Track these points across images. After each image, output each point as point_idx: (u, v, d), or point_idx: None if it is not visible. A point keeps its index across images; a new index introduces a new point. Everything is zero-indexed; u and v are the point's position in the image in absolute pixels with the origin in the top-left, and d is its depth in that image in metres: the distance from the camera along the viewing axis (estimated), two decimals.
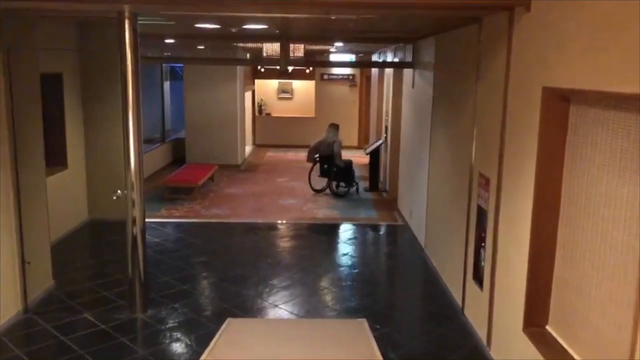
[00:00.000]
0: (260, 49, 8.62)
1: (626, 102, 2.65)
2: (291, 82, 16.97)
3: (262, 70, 16.29)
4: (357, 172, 11.28)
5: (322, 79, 16.63)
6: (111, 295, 5.61)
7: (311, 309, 5.51)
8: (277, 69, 13.39)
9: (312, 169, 10.72)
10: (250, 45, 9.55)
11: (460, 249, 5.24)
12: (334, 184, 10.48)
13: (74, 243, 7.33)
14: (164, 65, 13.73)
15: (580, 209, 3.13)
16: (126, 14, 4.67)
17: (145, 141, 10.31)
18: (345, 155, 10.98)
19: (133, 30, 4.75)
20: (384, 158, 10.90)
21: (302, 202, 10.01)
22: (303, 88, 17.05)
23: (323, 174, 10.57)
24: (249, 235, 7.99)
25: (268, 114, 17.10)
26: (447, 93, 6.15)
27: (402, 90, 9.24)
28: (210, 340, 3.55)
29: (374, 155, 10.91)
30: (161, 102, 13.76)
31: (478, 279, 4.69)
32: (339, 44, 9.59)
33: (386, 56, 10.94)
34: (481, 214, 4.64)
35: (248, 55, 12.44)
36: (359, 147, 15.89)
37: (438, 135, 6.49)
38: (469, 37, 5.23)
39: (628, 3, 2.47)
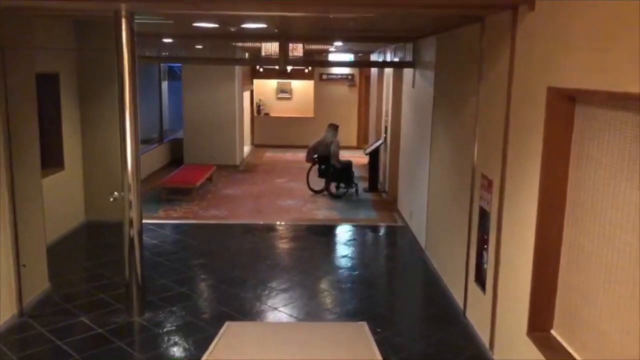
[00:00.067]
0: (259, 49, 8.56)
1: (634, 102, 2.58)
2: (290, 82, 16.92)
3: (261, 70, 16.25)
4: (357, 173, 11.23)
5: (321, 78, 16.58)
6: (108, 298, 5.54)
7: (311, 312, 5.45)
8: (275, 68, 13.36)
9: (310, 169, 10.67)
10: (249, 44, 9.49)
11: (461, 251, 5.18)
12: (333, 184, 10.41)
13: (70, 245, 7.25)
14: (162, 65, 13.68)
15: (587, 212, 3.07)
16: (123, 13, 4.62)
17: (143, 142, 10.32)
18: (344, 155, 10.93)
19: (130, 29, 4.69)
20: (384, 158, 10.84)
21: (301, 203, 9.94)
22: (302, 88, 17.00)
23: (321, 174, 10.51)
24: (247, 237, 7.93)
25: (267, 114, 17.04)
26: (449, 93, 6.09)
27: (402, 90, 9.18)
28: (209, 344, 3.51)
29: (374, 155, 10.86)
30: (159, 102, 13.71)
31: (480, 281, 4.63)
32: (339, 44, 9.53)
33: (386, 56, 10.89)
34: (483, 215, 4.58)
35: (247, 54, 12.38)
36: (358, 147, 15.85)
37: (439, 136, 6.43)
38: (470, 36, 5.17)
39: (636, 1, 2.41)
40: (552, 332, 3.45)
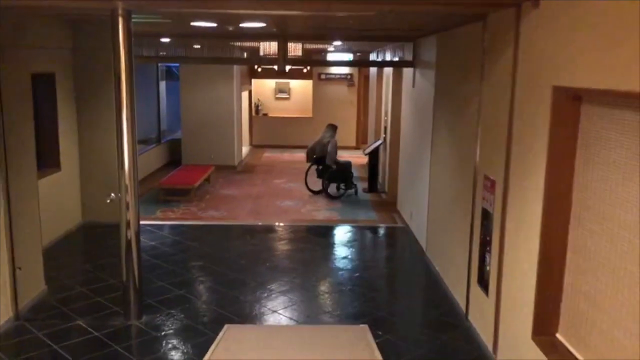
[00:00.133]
0: (258, 48, 8.51)
1: None
2: (288, 82, 16.86)
3: (259, 69, 16.18)
4: (356, 173, 11.17)
5: (319, 78, 16.52)
6: (105, 301, 5.47)
7: (311, 315, 5.38)
8: (274, 68, 13.28)
9: (308, 169, 10.60)
10: (247, 44, 9.44)
11: (463, 253, 5.12)
12: (333, 185, 10.33)
13: (66, 247, 7.18)
14: (159, 64, 13.60)
15: (593, 213, 3.01)
16: (120, 12, 4.56)
17: (140, 142, 10.26)
18: (343, 156, 10.86)
19: (127, 28, 4.63)
20: (383, 159, 10.78)
21: (300, 203, 9.88)
22: (300, 88, 16.94)
23: (319, 174, 10.45)
24: (246, 238, 7.87)
25: (265, 114, 16.98)
26: (450, 92, 6.03)
27: (402, 90, 9.12)
28: (208, 347, 3.43)
29: (373, 155, 10.80)
30: (157, 103, 13.64)
31: (483, 284, 4.57)
32: (338, 43, 9.48)
33: (385, 55, 10.83)
34: (486, 216, 4.52)
35: (245, 54, 12.32)
36: (357, 148, 15.80)
37: (440, 136, 6.37)
38: (472, 35, 5.11)
39: None
40: (558, 335, 3.38)
